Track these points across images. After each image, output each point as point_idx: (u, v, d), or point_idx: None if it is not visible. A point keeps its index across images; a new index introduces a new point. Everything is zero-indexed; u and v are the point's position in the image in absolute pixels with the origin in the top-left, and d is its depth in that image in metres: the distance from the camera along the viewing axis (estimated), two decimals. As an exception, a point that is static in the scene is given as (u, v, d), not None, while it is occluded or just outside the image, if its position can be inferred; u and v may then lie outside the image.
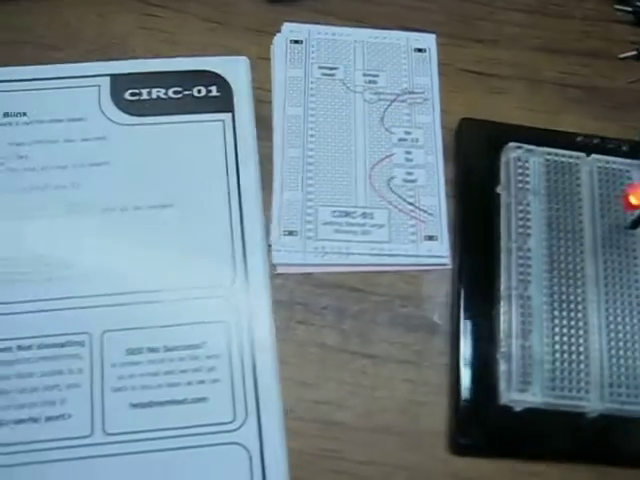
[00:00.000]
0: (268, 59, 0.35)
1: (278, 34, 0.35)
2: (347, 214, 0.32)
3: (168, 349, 0.28)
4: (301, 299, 0.30)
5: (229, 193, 0.31)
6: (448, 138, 0.34)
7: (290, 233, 0.31)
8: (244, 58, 0.33)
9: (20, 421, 0.26)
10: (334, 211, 0.32)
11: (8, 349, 0.27)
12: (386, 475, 0.28)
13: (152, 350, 0.28)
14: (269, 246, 0.31)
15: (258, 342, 0.28)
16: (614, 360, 0.29)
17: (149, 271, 0.29)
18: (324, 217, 0.31)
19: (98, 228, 0.30)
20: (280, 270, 0.31)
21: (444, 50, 0.36)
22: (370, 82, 0.35)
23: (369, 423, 0.29)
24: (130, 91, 0.32)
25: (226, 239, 0.30)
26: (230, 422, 0.27)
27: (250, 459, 0.27)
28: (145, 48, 0.34)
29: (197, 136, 0.31)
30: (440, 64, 0.35)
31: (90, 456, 0.26)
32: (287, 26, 0.35)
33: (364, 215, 0.32)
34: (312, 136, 0.33)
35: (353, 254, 0.31)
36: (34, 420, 0.26)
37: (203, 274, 0.29)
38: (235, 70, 0.33)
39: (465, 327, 0.30)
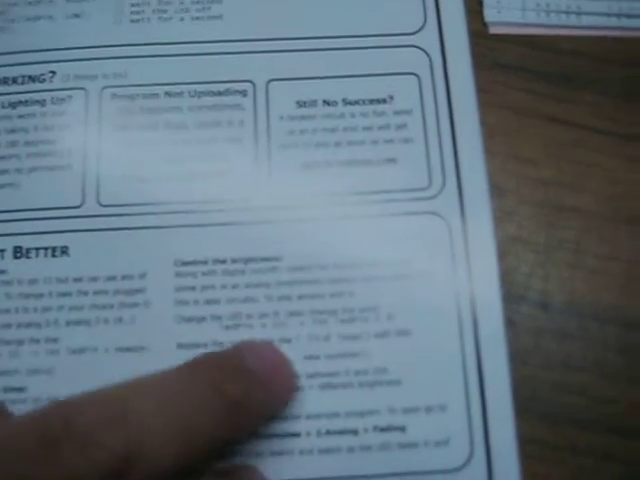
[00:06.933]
0: None
1: None
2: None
3: (348, 102, 0.22)
4: (519, 63, 0.23)
5: None
6: None
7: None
8: None
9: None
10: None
11: (155, 95, 0.22)
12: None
13: (328, 103, 0.22)
14: (480, 2, 0.24)
15: (457, 100, 0.22)
16: None
17: (324, 14, 0.23)
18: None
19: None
20: (494, 30, 0.24)
21: None
22: None
23: (611, 211, 0.21)
24: None
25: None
26: (425, 188, 0.21)
27: (450, 231, 0.20)
28: None
29: None
30: None
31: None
32: None
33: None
34: None
35: (585, 14, 0.24)
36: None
37: (389, 18, 0.23)
38: None
39: None
